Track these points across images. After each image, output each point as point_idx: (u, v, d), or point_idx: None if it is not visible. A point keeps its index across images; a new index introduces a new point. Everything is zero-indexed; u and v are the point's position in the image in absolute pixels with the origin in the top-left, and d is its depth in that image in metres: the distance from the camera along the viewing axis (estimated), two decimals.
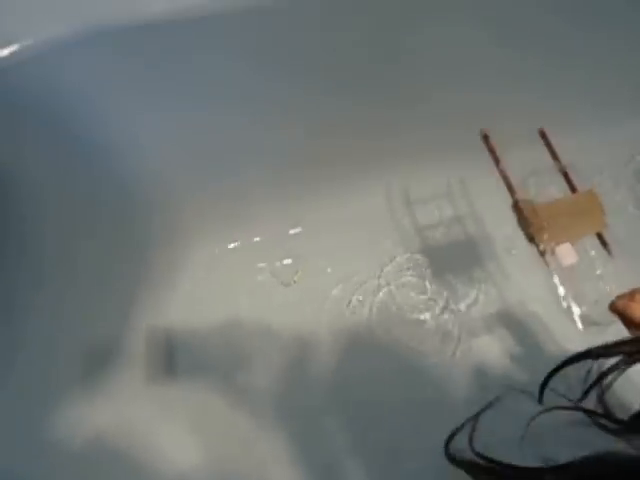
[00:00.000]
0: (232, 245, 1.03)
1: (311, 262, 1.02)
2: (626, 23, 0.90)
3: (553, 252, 0.70)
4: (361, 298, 0.99)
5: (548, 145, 0.80)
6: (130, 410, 0.90)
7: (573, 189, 0.78)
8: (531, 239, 0.73)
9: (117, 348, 0.93)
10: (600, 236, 0.74)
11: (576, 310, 0.75)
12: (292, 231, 1.05)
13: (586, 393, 0.40)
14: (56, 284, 0.83)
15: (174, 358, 0.94)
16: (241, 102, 0.81)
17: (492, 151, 0.79)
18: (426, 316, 0.98)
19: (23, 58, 0.64)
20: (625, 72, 1.01)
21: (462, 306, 0.99)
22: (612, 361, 0.40)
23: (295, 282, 1.01)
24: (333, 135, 0.91)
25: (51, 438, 0.82)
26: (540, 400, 0.42)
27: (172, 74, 0.74)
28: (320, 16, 0.72)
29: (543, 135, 0.81)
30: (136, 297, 0.96)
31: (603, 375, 0.39)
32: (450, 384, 0.92)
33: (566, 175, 0.78)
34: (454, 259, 1.03)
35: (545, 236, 0.70)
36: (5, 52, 0.63)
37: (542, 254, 0.71)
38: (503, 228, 1.00)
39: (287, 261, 1.02)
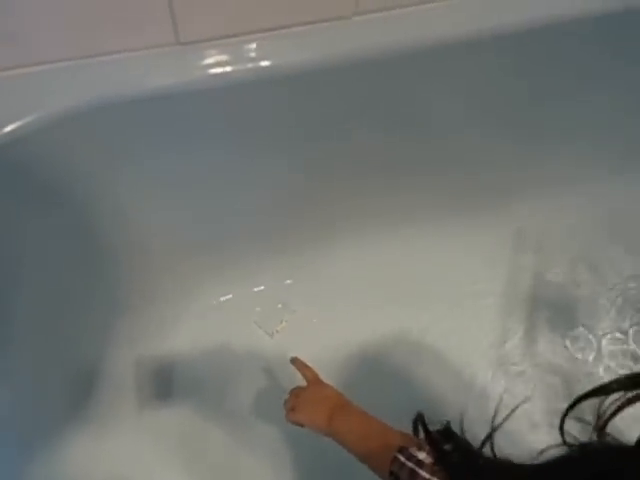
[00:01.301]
0: (224, 298, 1.07)
1: (298, 314, 1.06)
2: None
3: None
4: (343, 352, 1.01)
5: None
6: (121, 438, 0.92)
7: None
8: None
9: (111, 378, 0.96)
10: None
11: None
12: (284, 283, 1.09)
13: (603, 427, 0.44)
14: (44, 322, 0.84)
15: (168, 385, 0.97)
16: (235, 169, 0.87)
17: None
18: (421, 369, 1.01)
19: (27, 132, 0.67)
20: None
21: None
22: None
23: (277, 332, 1.04)
24: (324, 200, 1.00)
25: (41, 471, 0.83)
26: (562, 434, 0.46)
27: (168, 144, 0.78)
28: (320, 85, 0.79)
29: None
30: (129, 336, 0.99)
31: (620, 409, 0.43)
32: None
33: None
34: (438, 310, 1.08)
35: None
36: (9, 128, 0.66)
37: None
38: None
39: (273, 312, 1.06)
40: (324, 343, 1.00)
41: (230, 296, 1.06)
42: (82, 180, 0.76)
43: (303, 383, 0.75)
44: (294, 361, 0.77)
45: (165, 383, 0.97)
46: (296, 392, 0.73)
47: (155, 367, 0.99)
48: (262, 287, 1.08)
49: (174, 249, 0.96)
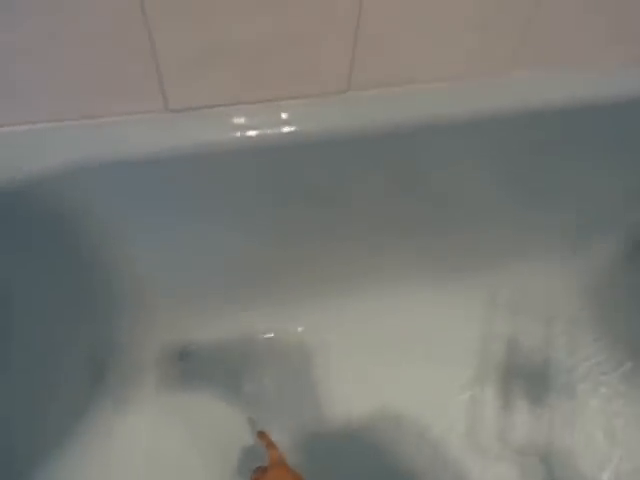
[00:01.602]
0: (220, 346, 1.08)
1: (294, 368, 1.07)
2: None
3: None
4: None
5: None
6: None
7: None
8: None
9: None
10: None
11: None
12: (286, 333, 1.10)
13: None
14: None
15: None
16: (230, 232, 0.89)
17: None
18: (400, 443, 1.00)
19: (36, 181, 0.70)
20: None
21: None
22: None
23: (270, 383, 1.05)
24: (324, 260, 1.02)
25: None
26: None
27: (160, 207, 0.81)
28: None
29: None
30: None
31: None
32: None
33: None
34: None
35: None
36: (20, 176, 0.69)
37: None
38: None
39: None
40: (315, 401, 1.01)
41: (228, 342, 1.07)
42: (77, 237, 0.79)
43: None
44: (260, 436, 0.77)
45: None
46: (261, 470, 0.72)
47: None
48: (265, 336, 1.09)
49: (174, 299, 0.99)
